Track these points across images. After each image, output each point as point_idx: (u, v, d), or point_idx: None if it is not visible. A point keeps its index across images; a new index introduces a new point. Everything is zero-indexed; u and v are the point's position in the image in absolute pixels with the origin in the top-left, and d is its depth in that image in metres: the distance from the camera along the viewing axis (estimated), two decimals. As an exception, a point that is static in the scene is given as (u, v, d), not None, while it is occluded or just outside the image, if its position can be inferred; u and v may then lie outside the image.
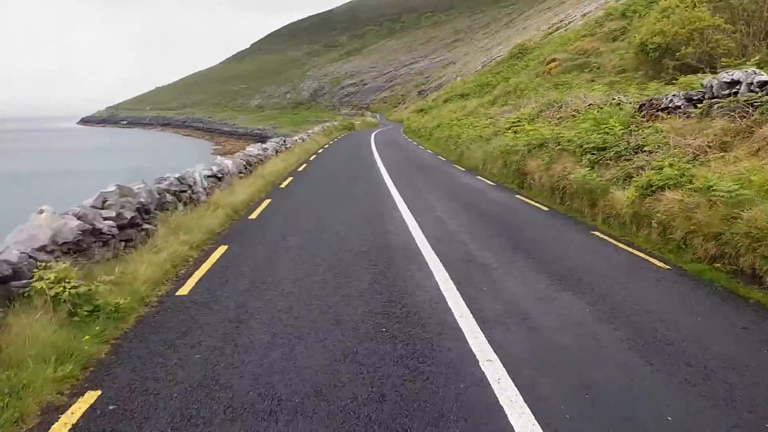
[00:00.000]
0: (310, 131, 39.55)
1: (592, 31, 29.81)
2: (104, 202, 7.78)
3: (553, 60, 28.97)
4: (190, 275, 7.80)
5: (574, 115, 16.06)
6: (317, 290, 7.06)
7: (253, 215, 12.48)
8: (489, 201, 13.83)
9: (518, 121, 18.51)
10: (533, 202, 13.24)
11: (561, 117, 16.68)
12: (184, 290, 7.14)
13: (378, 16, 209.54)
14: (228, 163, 14.93)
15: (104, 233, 7.19)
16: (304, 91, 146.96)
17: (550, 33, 52.36)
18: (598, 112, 13.20)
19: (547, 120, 17.40)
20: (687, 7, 16.92)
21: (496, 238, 9.79)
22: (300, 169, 21.96)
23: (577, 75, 27.06)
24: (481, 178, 17.63)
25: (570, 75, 27.69)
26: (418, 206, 12.85)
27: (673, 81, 16.35)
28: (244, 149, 20.74)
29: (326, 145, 35.52)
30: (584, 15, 50.42)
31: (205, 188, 12.23)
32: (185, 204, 10.79)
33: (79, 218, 6.86)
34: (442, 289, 7.00)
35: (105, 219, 7.38)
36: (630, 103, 13.76)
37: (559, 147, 13.05)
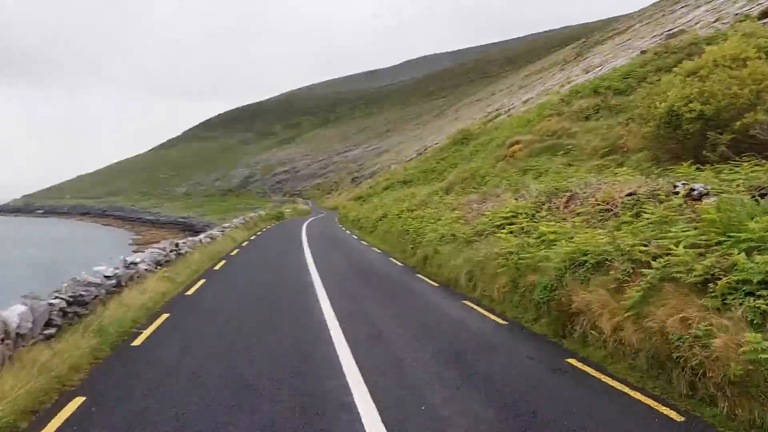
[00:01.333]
0: (226, 225, 30.85)
1: (558, 110, 25.06)
2: None
3: (516, 142, 23.72)
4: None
5: (609, 210, 10.10)
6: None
7: None
8: (521, 378, 6.85)
9: (514, 216, 12.32)
10: (630, 391, 6.26)
11: (586, 212, 10.63)
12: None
13: (313, 106, 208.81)
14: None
15: None
16: (235, 178, 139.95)
17: (490, 120, 48.77)
18: (717, 208, 6.90)
19: (558, 216, 11.37)
20: (749, 59, 11.77)
21: None
22: (189, 292, 13.18)
23: (548, 158, 21.90)
24: (475, 307, 10.76)
25: (539, 159, 22.47)
26: (395, 397, 6.15)
27: (728, 160, 10.87)
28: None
29: (244, 243, 27.46)
30: (525, 101, 47.15)
31: None
32: None
33: None
34: None
35: None
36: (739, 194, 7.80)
37: (658, 273, 6.55)
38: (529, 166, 21.50)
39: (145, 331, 9.20)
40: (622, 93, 23.09)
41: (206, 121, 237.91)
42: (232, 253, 21.88)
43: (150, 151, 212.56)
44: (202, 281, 14.67)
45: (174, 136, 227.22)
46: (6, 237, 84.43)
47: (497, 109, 58.81)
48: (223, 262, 19.17)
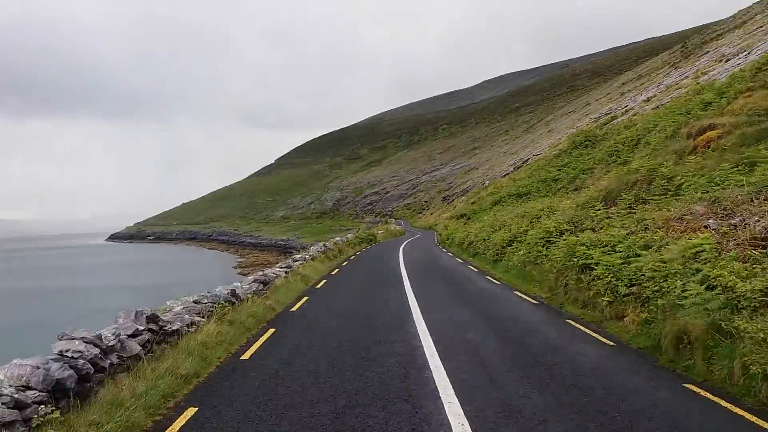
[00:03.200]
0: (297, 258, 23.48)
1: (763, 81, 19.54)
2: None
3: (708, 128, 17.78)
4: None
5: None
6: None
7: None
8: None
9: None
10: None
11: None
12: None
13: (396, 129, 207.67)
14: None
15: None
16: (328, 201, 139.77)
17: (604, 123, 43.57)
18: None
19: None
20: None
21: None
22: (244, 356, 8.71)
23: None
24: None
25: (759, 146, 14.89)
26: None
27: None
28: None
29: (321, 283, 18.77)
30: (648, 100, 41.71)
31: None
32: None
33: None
34: None
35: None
36: None
37: None
38: (750, 158, 14.14)
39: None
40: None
41: (298, 147, 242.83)
42: (295, 309, 13.63)
43: (248, 178, 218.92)
44: (254, 347, 9.48)
45: (268, 163, 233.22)
46: (132, 263, 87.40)
47: (606, 114, 53.28)
48: (295, 307, 13.83)
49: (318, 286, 17.97)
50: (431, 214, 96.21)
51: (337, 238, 37.89)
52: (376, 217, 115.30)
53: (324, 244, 30.72)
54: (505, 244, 23.01)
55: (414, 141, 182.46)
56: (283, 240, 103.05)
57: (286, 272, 17.69)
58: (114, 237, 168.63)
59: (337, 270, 23.85)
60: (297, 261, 22.14)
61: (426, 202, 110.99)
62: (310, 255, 24.93)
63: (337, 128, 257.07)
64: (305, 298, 15.26)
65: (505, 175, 68.17)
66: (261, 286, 14.16)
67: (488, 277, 19.59)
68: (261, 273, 16.10)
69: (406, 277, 19.07)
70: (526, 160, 65.71)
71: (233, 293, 11.91)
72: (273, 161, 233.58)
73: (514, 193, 37.90)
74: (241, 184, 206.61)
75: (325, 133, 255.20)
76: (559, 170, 33.81)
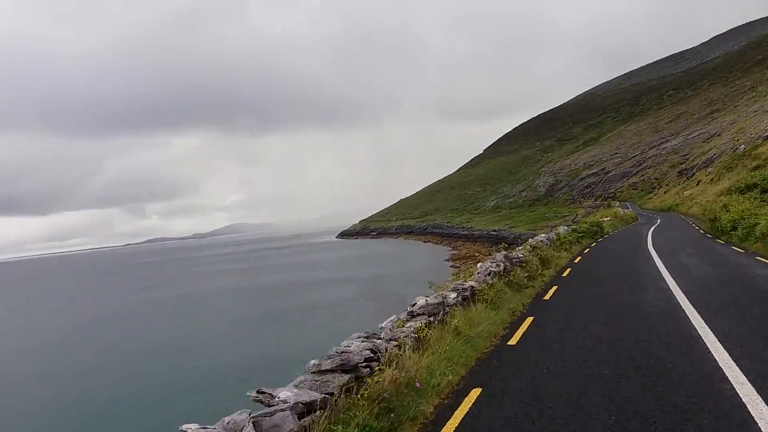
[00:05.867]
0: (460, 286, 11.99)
1: None
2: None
3: None
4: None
5: None
6: None
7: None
8: None
9: None
10: None
11: None
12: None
13: (613, 103, 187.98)
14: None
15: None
16: (540, 188, 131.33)
17: None
18: None
19: None
20: None
21: None
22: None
23: None
24: None
25: None
26: None
27: None
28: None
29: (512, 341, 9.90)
30: None
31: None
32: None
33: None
34: None
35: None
36: None
37: None
38: None
39: None
40: None
41: (506, 134, 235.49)
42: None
43: (457, 171, 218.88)
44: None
45: (477, 153, 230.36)
46: (353, 257, 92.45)
47: None
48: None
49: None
50: (665, 192, 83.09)
51: (539, 238, 23.99)
52: (596, 200, 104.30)
53: (503, 257, 16.36)
54: None
55: (635, 113, 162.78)
56: (494, 230, 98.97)
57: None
58: (343, 234, 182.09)
59: (553, 292, 14.80)
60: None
61: (656, 179, 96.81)
62: (485, 276, 13.54)
63: (545, 110, 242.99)
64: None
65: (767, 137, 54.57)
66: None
67: None
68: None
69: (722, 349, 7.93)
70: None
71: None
72: (481, 151, 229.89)
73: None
74: (452, 177, 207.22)
75: (533, 116, 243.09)
76: None
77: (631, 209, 71.35)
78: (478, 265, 15.52)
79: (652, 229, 38.01)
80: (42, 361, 30.35)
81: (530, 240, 23.60)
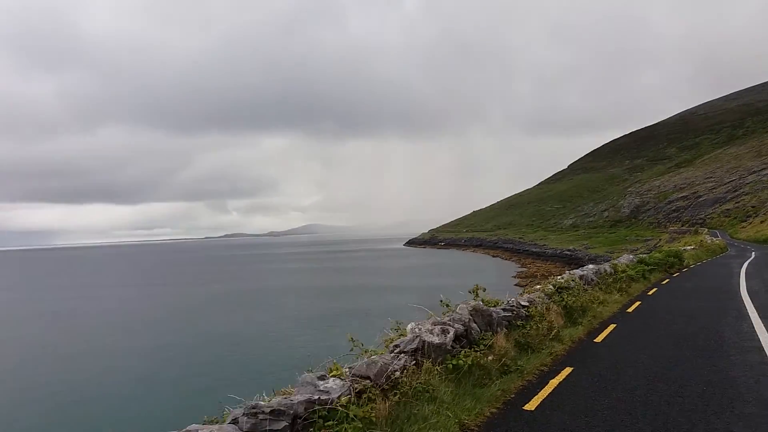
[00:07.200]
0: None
1: None
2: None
3: None
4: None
5: None
6: None
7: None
8: None
9: None
10: None
11: None
12: None
13: (714, 124, 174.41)
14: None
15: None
16: (624, 208, 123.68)
17: None
18: None
19: None
20: None
21: None
22: None
23: None
24: None
25: None
26: None
27: None
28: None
29: None
30: None
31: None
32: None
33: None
34: None
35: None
36: None
37: None
38: None
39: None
40: None
41: (593, 151, 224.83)
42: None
43: (537, 186, 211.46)
44: None
45: (560, 169, 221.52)
46: (415, 266, 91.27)
47: None
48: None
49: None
50: (761, 222, 75.26)
51: (581, 272, 17.57)
52: (682, 225, 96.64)
53: (472, 310, 9.08)
54: None
55: (737, 135, 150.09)
56: (569, 250, 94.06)
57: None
58: (410, 242, 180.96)
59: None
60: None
61: (753, 207, 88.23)
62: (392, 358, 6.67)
63: (638, 127, 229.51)
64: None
65: None
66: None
67: None
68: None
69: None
70: None
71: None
72: (566, 167, 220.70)
73: None
74: (530, 191, 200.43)
75: (625, 133, 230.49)
76: None
77: (720, 238, 64.75)
78: (408, 327, 7.96)
79: (746, 265, 30.73)
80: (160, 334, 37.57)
81: (563, 275, 16.07)
